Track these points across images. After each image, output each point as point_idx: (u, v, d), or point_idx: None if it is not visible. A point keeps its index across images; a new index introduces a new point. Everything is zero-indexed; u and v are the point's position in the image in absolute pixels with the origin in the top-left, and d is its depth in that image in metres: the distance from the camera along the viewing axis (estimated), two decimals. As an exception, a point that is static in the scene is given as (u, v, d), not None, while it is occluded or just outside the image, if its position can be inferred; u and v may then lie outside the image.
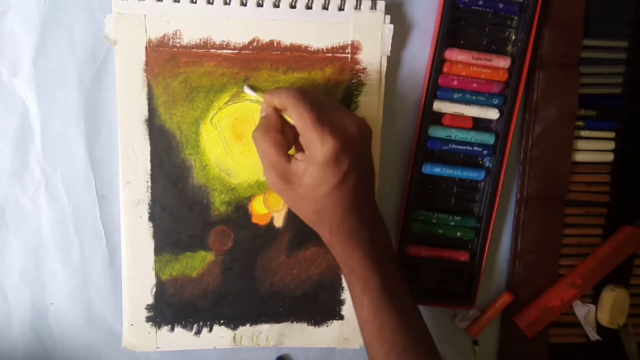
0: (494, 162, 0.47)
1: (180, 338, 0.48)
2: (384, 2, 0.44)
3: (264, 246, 0.48)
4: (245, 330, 0.49)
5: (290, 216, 0.47)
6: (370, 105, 0.46)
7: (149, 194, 0.46)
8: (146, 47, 0.43)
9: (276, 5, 0.43)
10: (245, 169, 0.46)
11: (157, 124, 0.45)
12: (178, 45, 0.43)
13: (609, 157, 0.49)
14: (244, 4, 0.43)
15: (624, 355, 0.52)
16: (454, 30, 0.45)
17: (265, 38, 0.44)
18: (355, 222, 0.38)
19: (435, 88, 0.45)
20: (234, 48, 0.44)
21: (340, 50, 0.45)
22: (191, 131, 0.45)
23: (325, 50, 0.44)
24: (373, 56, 0.45)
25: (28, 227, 0.47)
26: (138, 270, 0.46)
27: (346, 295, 0.49)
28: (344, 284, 0.49)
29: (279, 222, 0.47)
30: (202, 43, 0.44)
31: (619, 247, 0.49)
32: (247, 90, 0.44)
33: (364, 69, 0.45)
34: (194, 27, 0.43)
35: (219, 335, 0.49)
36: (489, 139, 0.46)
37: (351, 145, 0.37)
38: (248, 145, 0.46)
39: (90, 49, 0.44)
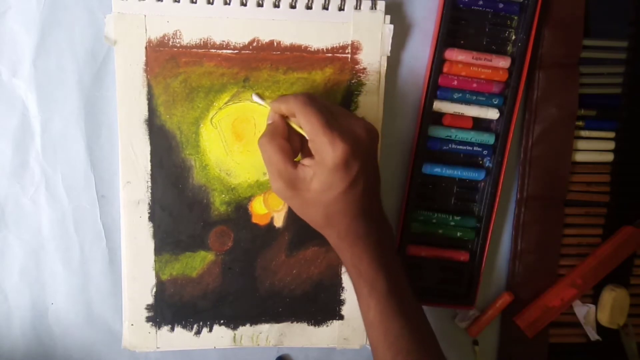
0: (494, 162, 0.47)
1: (180, 338, 0.48)
2: (384, 2, 0.44)
3: (264, 246, 0.48)
4: (245, 330, 0.49)
5: (290, 216, 0.47)
6: (370, 105, 0.46)
7: (149, 194, 0.46)
8: (146, 47, 0.43)
9: (276, 5, 0.43)
10: (245, 169, 0.46)
11: (157, 124, 0.45)
12: (178, 45, 0.43)
13: (609, 157, 0.49)
14: (244, 4, 0.43)
15: (624, 355, 0.52)
16: (454, 30, 0.45)
17: (265, 38, 0.44)
18: (364, 225, 0.39)
19: (435, 88, 0.45)
20: (234, 48, 0.44)
21: (340, 50, 0.45)
22: (191, 131, 0.45)
23: (325, 50, 0.44)
24: (373, 56, 0.45)
25: (28, 227, 0.47)
26: (138, 270, 0.46)
27: (346, 295, 0.49)
28: (344, 284, 0.49)
29: (279, 222, 0.47)
30: (202, 43, 0.44)
31: (619, 247, 0.49)
32: (255, 98, 0.44)
33: (364, 69, 0.45)
34: (194, 27, 0.43)
35: (219, 335, 0.49)
36: (489, 139, 0.46)
37: (360, 150, 0.37)
38: (248, 145, 0.46)
39: (90, 49, 0.44)
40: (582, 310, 0.51)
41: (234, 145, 0.46)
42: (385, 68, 0.45)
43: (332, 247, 0.41)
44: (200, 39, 0.43)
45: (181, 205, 0.46)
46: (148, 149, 0.45)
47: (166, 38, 0.43)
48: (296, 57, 0.44)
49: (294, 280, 0.48)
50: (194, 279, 0.47)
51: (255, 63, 0.44)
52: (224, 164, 0.46)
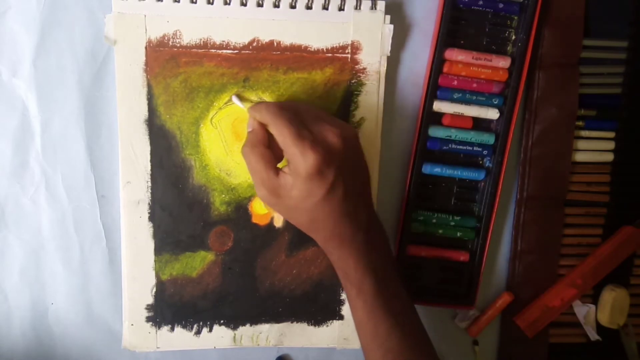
0: (494, 162, 0.47)
1: (180, 338, 0.48)
2: (384, 2, 0.44)
3: (264, 246, 0.48)
4: (245, 330, 0.49)
5: (290, 216, 0.47)
6: (370, 105, 0.46)
7: (149, 194, 0.46)
8: (146, 47, 0.43)
9: (276, 5, 0.43)
10: (245, 169, 0.46)
11: (157, 124, 0.45)
12: (178, 45, 0.43)
13: (609, 157, 0.49)
14: (244, 4, 0.43)
15: (624, 355, 0.52)
16: (454, 30, 0.45)
17: (265, 38, 0.44)
18: (349, 228, 0.39)
19: (435, 88, 0.45)
20: (234, 48, 0.44)
21: (340, 50, 0.45)
22: (191, 131, 0.45)
23: (325, 50, 0.44)
24: (373, 56, 0.45)
25: (28, 227, 0.47)
26: (138, 270, 0.46)
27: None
28: (344, 284, 0.49)
29: (279, 222, 0.47)
30: (202, 43, 0.44)
31: (619, 247, 0.49)
32: (234, 100, 0.44)
33: (364, 69, 0.45)
34: (194, 27, 0.43)
35: (219, 335, 0.49)
36: (489, 139, 0.46)
37: (334, 157, 0.37)
38: (248, 145, 0.46)
39: (90, 49, 0.44)
40: (582, 310, 0.51)
41: (234, 145, 0.46)
42: (385, 68, 0.45)
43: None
44: (200, 39, 0.43)
45: (181, 205, 0.46)
46: (148, 149, 0.45)
47: (166, 38, 0.43)
48: (296, 57, 0.44)
49: (294, 280, 0.48)
50: (194, 279, 0.47)
51: (255, 63, 0.44)
52: (224, 164, 0.46)
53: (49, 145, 0.45)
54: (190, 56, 0.44)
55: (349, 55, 0.45)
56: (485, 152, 0.47)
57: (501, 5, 0.44)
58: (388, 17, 0.44)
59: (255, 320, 0.49)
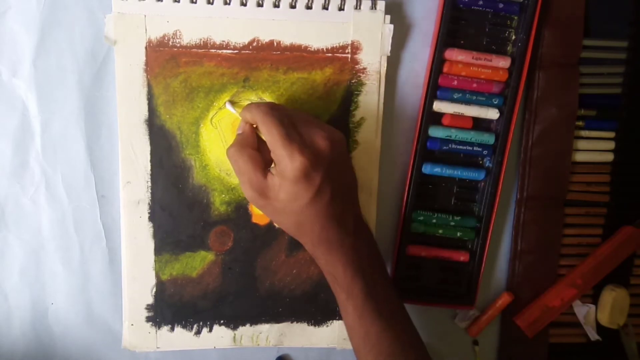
0: (494, 162, 0.47)
1: (180, 338, 0.48)
2: (384, 2, 0.44)
3: (264, 246, 0.48)
4: (245, 330, 0.49)
5: (290, 216, 0.47)
6: (370, 105, 0.46)
7: (149, 194, 0.46)
8: (146, 47, 0.43)
9: (276, 5, 0.43)
10: (245, 169, 0.46)
11: (157, 124, 0.45)
12: (178, 45, 0.43)
13: (609, 157, 0.49)
14: (244, 4, 0.43)
15: (624, 355, 0.52)
16: (454, 30, 0.45)
17: (265, 38, 0.44)
18: (336, 232, 0.39)
19: (435, 88, 0.45)
20: (234, 48, 0.44)
21: (340, 50, 0.45)
22: (191, 131, 0.45)
23: (325, 50, 0.44)
24: (373, 56, 0.45)
25: (28, 227, 0.47)
26: (138, 270, 0.46)
27: (346, 295, 0.49)
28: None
29: (279, 222, 0.47)
30: (202, 43, 0.44)
31: (619, 247, 0.49)
32: (228, 106, 0.44)
33: (364, 69, 0.45)
34: (194, 27, 0.43)
35: (219, 335, 0.49)
36: (489, 139, 0.46)
37: (322, 161, 0.37)
38: (248, 145, 0.46)
39: (90, 49, 0.44)
40: (582, 310, 0.51)
41: (234, 145, 0.46)
42: (385, 68, 0.45)
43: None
44: (200, 39, 0.43)
45: (181, 205, 0.46)
46: (148, 149, 0.45)
47: (166, 38, 0.43)
48: (296, 57, 0.44)
49: (294, 280, 0.48)
50: (194, 279, 0.47)
51: (255, 63, 0.44)
52: (224, 164, 0.46)
53: (49, 145, 0.45)
54: (190, 56, 0.44)
55: (349, 55, 0.45)
56: (485, 152, 0.47)
57: (501, 5, 0.44)
58: (388, 17, 0.44)
59: (255, 320, 0.49)
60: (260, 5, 0.43)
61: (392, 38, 0.44)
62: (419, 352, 0.41)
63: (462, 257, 0.48)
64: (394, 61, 0.46)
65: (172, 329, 0.48)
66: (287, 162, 0.36)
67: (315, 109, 0.45)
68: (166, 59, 0.44)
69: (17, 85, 0.44)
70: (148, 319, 0.47)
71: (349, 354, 0.51)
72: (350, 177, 0.42)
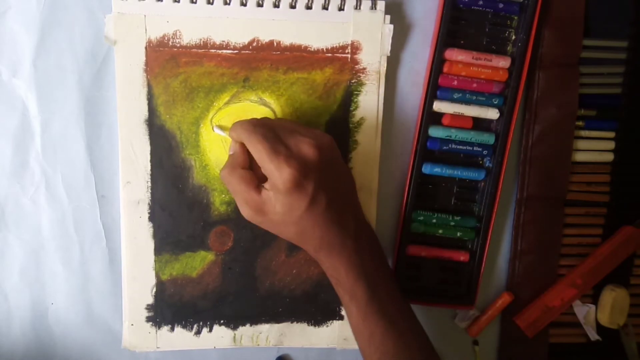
0: (494, 162, 0.47)
1: (180, 338, 0.48)
2: (384, 2, 0.44)
3: (264, 246, 0.48)
4: (245, 330, 0.49)
5: (290, 216, 0.47)
6: (370, 105, 0.46)
7: (149, 194, 0.46)
8: (146, 47, 0.43)
9: (276, 5, 0.43)
10: (245, 169, 0.46)
11: (157, 124, 0.45)
12: (178, 45, 0.43)
13: (609, 157, 0.49)
14: (244, 4, 0.43)
15: (624, 355, 0.52)
16: (454, 30, 0.45)
17: (265, 38, 0.44)
18: (336, 236, 0.39)
19: (435, 88, 0.45)
20: (234, 48, 0.44)
21: (340, 50, 0.45)
22: (191, 131, 0.45)
23: (325, 50, 0.44)
24: (373, 56, 0.45)
25: (28, 227, 0.47)
26: (138, 270, 0.46)
27: (346, 295, 0.49)
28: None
29: (279, 222, 0.47)
30: (202, 43, 0.44)
31: (619, 247, 0.49)
32: (216, 130, 0.44)
33: (364, 69, 0.45)
34: (194, 27, 0.43)
35: (219, 335, 0.49)
36: (489, 139, 0.46)
37: (311, 168, 0.37)
38: (248, 145, 0.46)
39: (90, 49, 0.44)
40: (582, 310, 0.51)
41: (234, 145, 0.46)
42: (385, 68, 0.45)
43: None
44: (200, 39, 0.43)
45: (181, 205, 0.46)
46: (148, 149, 0.45)
47: (166, 38, 0.43)
48: (296, 57, 0.44)
49: (294, 280, 0.48)
50: (194, 279, 0.47)
51: (255, 63, 0.44)
52: (224, 164, 0.46)
53: (49, 145, 0.45)
54: (190, 56, 0.44)
55: (349, 55, 0.45)
56: (485, 152, 0.47)
57: (501, 5, 0.44)
58: (388, 17, 0.44)
59: (255, 320, 0.49)
60: (260, 5, 0.43)
61: (392, 38, 0.44)
62: (425, 351, 0.41)
63: (462, 257, 0.48)
64: (394, 61, 0.46)
65: (172, 329, 0.48)
66: (276, 175, 0.36)
67: (315, 109, 0.45)
68: (166, 59, 0.44)
69: (17, 85, 0.44)
70: (148, 319, 0.47)
71: (349, 354, 0.51)
72: (346, 179, 0.42)
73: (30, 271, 0.47)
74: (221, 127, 0.44)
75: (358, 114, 0.46)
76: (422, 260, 0.48)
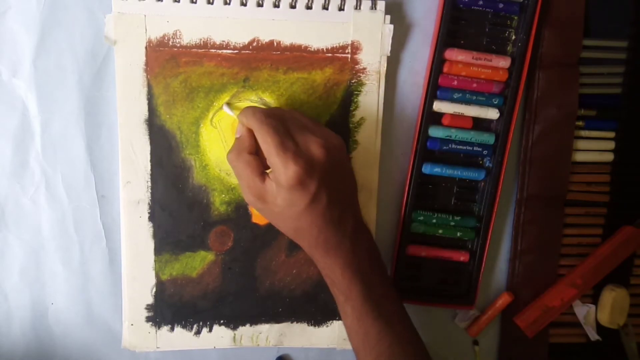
0: (494, 162, 0.47)
1: (180, 338, 0.48)
2: (384, 2, 0.44)
3: (264, 246, 0.48)
4: (245, 330, 0.49)
5: (290, 216, 0.47)
6: (370, 105, 0.46)
7: (149, 194, 0.46)
8: (146, 47, 0.43)
9: (276, 5, 0.43)
10: (245, 169, 0.46)
11: (157, 123, 0.45)
12: (178, 45, 0.43)
13: (609, 157, 0.49)
14: (244, 4, 0.43)
15: (624, 355, 0.52)
16: (454, 30, 0.45)
17: (265, 38, 0.44)
18: (334, 235, 0.39)
19: (435, 88, 0.45)
20: (234, 48, 0.44)
21: (340, 50, 0.45)
22: (191, 131, 0.45)
23: (325, 50, 0.44)
24: (373, 56, 0.45)
25: (28, 227, 0.47)
26: (138, 270, 0.46)
27: (346, 295, 0.49)
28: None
29: (279, 222, 0.47)
30: (202, 43, 0.44)
31: (619, 247, 0.49)
32: (225, 109, 0.44)
33: (364, 69, 0.45)
34: (194, 27, 0.43)
35: (219, 335, 0.49)
36: (489, 139, 0.46)
37: (317, 168, 0.37)
38: (248, 145, 0.46)
39: (90, 49, 0.44)
40: (582, 310, 0.51)
41: (234, 145, 0.46)
42: (385, 68, 0.45)
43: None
44: (200, 39, 0.43)
45: (181, 205, 0.46)
46: (148, 148, 0.45)
47: (166, 38, 0.43)
48: (296, 57, 0.44)
49: (294, 280, 0.48)
50: (194, 279, 0.47)
51: (255, 63, 0.44)
52: (224, 163, 0.46)
53: (49, 145, 0.45)
54: (190, 56, 0.44)
55: (349, 55, 0.45)
56: (485, 152, 0.47)
57: (501, 5, 0.44)
58: (388, 17, 0.44)
59: (255, 320, 0.49)
60: (260, 5, 0.43)
61: (392, 38, 0.44)
62: (419, 353, 0.41)
63: (462, 257, 0.48)
64: (394, 61, 0.46)
65: (172, 329, 0.48)
66: (281, 170, 0.36)
67: (315, 109, 0.45)
68: (166, 59, 0.44)
69: (17, 85, 0.44)
70: (148, 319, 0.47)
71: (349, 354, 0.51)
72: (350, 182, 0.42)
73: (30, 271, 0.47)
74: (230, 106, 0.44)
75: (358, 114, 0.46)
76: (422, 260, 0.48)
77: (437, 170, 0.47)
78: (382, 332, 0.40)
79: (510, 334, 0.51)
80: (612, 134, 0.49)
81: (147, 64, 0.44)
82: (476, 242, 0.48)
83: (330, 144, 0.38)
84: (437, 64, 0.45)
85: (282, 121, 0.38)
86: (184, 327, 0.48)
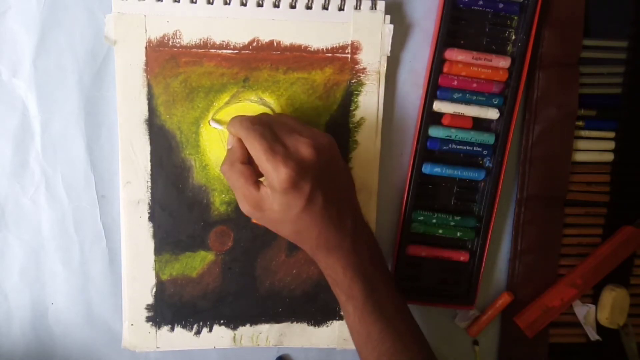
0: (494, 162, 0.47)
1: (180, 338, 0.48)
2: (384, 2, 0.44)
3: (264, 246, 0.48)
4: (245, 330, 0.49)
5: (290, 216, 0.47)
6: (370, 105, 0.46)
7: (149, 194, 0.46)
8: (146, 47, 0.43)
9: (276, 5, 0.43)
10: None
11: (157, 123, 0.45)
12: (178, 45, 0.43)
13: (609, 157, 0.49)
14: (244, 4, 0.43)
15: (624, 355, 0.52)
16: (454, 30, 0.45)
17: (265, 38, 0.44)
18: (334, 235, 0.39)
19: (435, 88, 0.45)
20: (234, 48, 0.44)
21: (340, 50, 0.45)
22: (191, 131, 0.45)
23: (325, 50, 0.44)
24: (373, 56, 0.45)
25: (28, 227, 0.47)
26: (138, 270, 0.46)
27: (346, 295, 0.49)
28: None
29: (279, 222, 0.47)
30: (202, 43, 0.44)
31: (619, 247, 0.49)
32: (212, 124, 0.44)
33: (364, 69, 0.45)
34: (194, 27, 0.43)
35: (219, 335, 0.49)
36: (489, 139, 0.46)
37: (308, 169, 0.37)
38: (248, 145, 0.46)
39: (90, 49, 0.44)
40: (582, 310, 0.51)
41: (234, 145, 0.46)
42: (385, 68, 0.45)
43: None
44: (200, 39, 0.43)
45: (181, 205, 0.46)
46: (148, 148, 0.45)
47: (166, 38, 0.43)
48: (296, 57, 0.44)
49: (294, 280, 0.48)
50: (194, 279, 0.47)
51: (255, 63, 0.44)
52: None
53: (49, 145, 0.45)
54: (190, 56, 0.44)
55: (349, 55, 0.45)
56: (485, 152, 0.47)
57: (501, 5, 0.44)
58: (388, 17, 0.44)
59: (255, 320, 0.49)
60: (260, 5, 0.43)
61: (392, 38, 0.44)
62: (422, 352, 0.41)
63: (462, 257, 0.48)
64: (394, 61, 0.46)
65: (172, 329, 0.48)
66: (273, 175, 0.36)
67: (315, 109, 0.45)
68: (166, 59, 0.44)
69: (17, 85, 0.44)
70: (148, 319, 0.47)
71: (349, 354, 0.51)
72: (345, 179, 0.42)
73: (30, 271, 0.47)
74: (217, 121, 0.44)
75: (358, 114, 0.46)
76: (422, 260, 0.48)
77: (437, 170, 0.47)
78: (383, 331, 0.40)
79: (510, 334, 0.51)
80: (612, 134, 0.49)
81: (147, 64, 0.44)
82: (476, 242, 0.48)
83: (319, 143, 0.38)
84: (437, 64, 0.45)
85: (269, 126, 0.38)
86: (184, 327, 0.48)
